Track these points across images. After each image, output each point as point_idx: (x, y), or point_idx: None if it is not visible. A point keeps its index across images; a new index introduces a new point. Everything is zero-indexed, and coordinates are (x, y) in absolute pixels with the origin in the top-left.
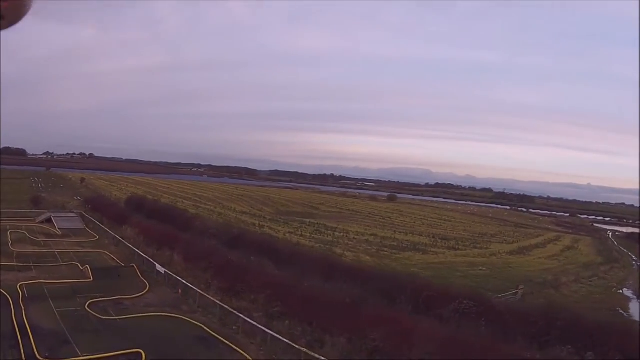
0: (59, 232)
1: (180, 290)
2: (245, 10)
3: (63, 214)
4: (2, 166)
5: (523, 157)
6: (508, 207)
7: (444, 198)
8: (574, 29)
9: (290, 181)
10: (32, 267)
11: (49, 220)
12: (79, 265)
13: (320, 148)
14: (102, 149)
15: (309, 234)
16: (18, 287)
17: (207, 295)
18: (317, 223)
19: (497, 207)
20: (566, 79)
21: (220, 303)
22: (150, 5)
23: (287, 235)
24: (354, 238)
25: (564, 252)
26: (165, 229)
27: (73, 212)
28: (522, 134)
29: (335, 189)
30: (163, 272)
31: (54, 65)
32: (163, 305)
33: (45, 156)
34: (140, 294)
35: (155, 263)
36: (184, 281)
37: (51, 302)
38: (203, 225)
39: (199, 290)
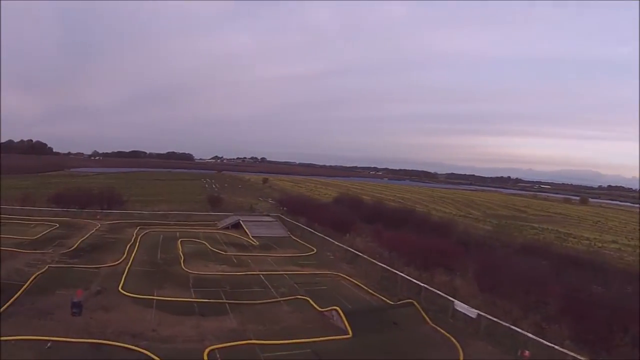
0: (255, 243)
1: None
2: (403, 12)
3: (255, 218)
4: (168, 169)
5: None
6: None
7: (620, 201)
8: None
9: (470, 183)
10: (226, 306)
11: (236, 226)
12: (310, 301)
13: (494, 151)
14: (273, 153)
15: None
16: (206, 355)
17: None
18: (549, 229)
19: None
20: None
21: None
22: (308, 12)
23: None
24: (602, 247)
25: None
26: (426, 240)
27: (269, 216)
28: None
29: (515, 191)
30: (474, 315)
31: (217, 73)
32: None
33: (213, 160)
34: None
35: (447, 296)
36: (521, 330)
37: None
38: (465, 233)
39: (561, 349)
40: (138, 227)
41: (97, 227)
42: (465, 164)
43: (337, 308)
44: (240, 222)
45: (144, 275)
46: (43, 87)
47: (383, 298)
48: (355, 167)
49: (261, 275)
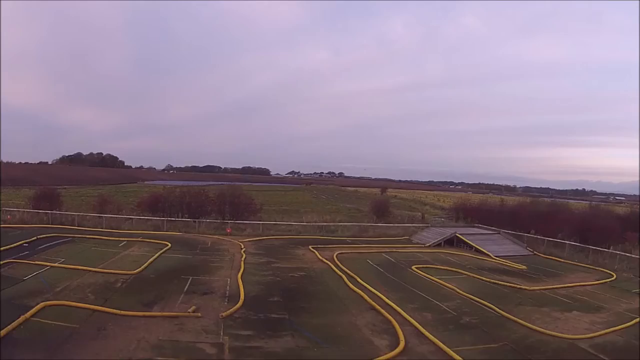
0: (521, 267)
1: None
2: (478, 24)
3: (471, 231)
4: (247, 183)
5: None
6: None
7: None
8: None
9: (551, 196)
10: None
11: (449, 242)
12: None
13: (564, 163)
14: (348, 168)
15: None
16: None
17: None
18: None
19: None
20: None
21: None
22: (384, 25)
23: None
24: None
25: None
26: None
27: (487, 228)
28: None
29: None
30: None
31: (293, 89)
32: None
33: (290, 175)
34: None
35: None
36: None
37: None
38: None
39: None
40: (309, 247)
41: (241, 247)
42: (536, 177)
43: None
44: (458, 235)
45: None
46: (116, 102)
47: None
48: (432, 182)
49: None
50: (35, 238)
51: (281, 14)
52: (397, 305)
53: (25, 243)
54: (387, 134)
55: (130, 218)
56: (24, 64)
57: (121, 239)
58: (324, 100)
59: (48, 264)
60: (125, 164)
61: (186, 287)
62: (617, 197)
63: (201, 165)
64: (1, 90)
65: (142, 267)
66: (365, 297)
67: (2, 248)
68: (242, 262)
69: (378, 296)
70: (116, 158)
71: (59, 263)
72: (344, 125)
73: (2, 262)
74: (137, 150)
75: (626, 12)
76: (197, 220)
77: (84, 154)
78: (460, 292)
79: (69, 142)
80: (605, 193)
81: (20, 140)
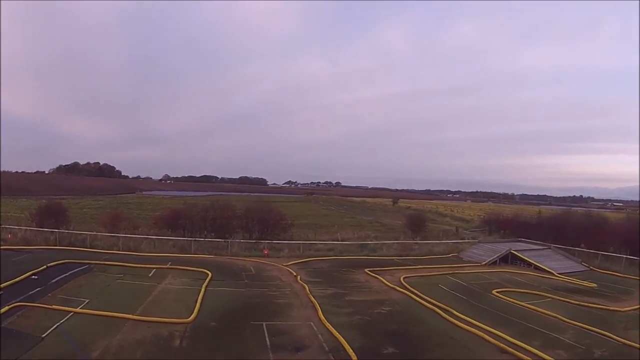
0: (592, 285)
1: None
2: (475, 34)
3: (524, 247)
4: (246, 193)
5: None
6: None
7: None
8: None
9: (549, 203)
10: None
11: (504, 259)
12: None
13: (560, 169)
14: (343, 178)
15: None
16: None
17: None
18: None
19: None
20: None
21: None
22: (379, 35)
23: None
24: None
25: None
26: None
27: (538, 243)
28: None
29: (596, 210)
30: None
31: (289, 99)
32: None
33: (287, 185)
34: None
35: None
36: None
37: None
38: None
39: None
40: (366, 270)
41: (294, 274)
42: (533, 184)
43: None
44: (514, 252)
45: None
46: (113, 112)
47: None
48: (429, 190)
49: None
50: (45, 267)
51: (277, 24)
52: (525, 344)
53: (34, 275)
54: (382, 143)
55: (149, 237)
56: (19, 72)
57: (148, 266)
58: (320, 110)
59: (70, 309)
60: (122, 174)
61: (267, 339)
62: (615, 203)
63: (198, 175)
64: (1, 98)
65: (196, 310)
66: (485, 336)
67: (6, 283)
68: (311, 296)
69: (495, 334)
70: (113, 168)
71: (83, 307)
72: (339, 134)
73: (8, 307)
74: (133, 160)
75: (622, 19)
76: (228, 240)
77: (81, 163)
78: (566, 319)
79: (66, 151)
80: (603, 199)
81: (17, 149)
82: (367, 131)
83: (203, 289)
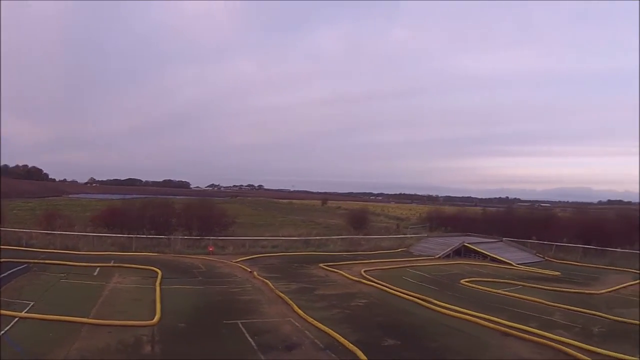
0: (556, 274)
1: None
2: (407, 36)
3: (478, 239)
4: (169, 196)
5: None
6: None
7: None
8: None
9: (475, 204)
10: None
11: (457, 252)
12: None
13: (485, 172)
14: (269, 181)
15: None
16: None
17: None
18: None
19: None
20: None
21: None
22: (310, 40)
23: None
24: None
25: None
26: None
27: (489, 237)
28: None
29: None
30: None
31: (217, 103)
32: None
33: (210, 188)
34: None
35: None
36: None
37: None
38: None
39: None
40: (320, 265)
41: (248, 270)
42: (458, 186)
43: None
44: (467, 245)
45: None
46: (41, 115)
47: None
48: (352, 193)
49: None
50: None
51: (209, 27)
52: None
53: None
54: (310, 146)
55: (87, 235)
56: None
57: (91, 264)
58: (245, 114)
59: (14, 313)
60: (49, 177)
61: (249, 339)
62: (542, 204)
63: (123, 178)
64: None
65: (158, 311)
66: (482, 322)
67: None
68: (277, 292)
69: (489, 319)
70: (41, 170)
71: (28, 310)
72: (266, 138)
73: None
74: (59, 162)
75: (552, 18)
76: (170, 237)
77: (10, 165)
78: (550, 303)
79: None
80: (530, 200)
81: None
82: (293, 135)
83: (158, 288)
